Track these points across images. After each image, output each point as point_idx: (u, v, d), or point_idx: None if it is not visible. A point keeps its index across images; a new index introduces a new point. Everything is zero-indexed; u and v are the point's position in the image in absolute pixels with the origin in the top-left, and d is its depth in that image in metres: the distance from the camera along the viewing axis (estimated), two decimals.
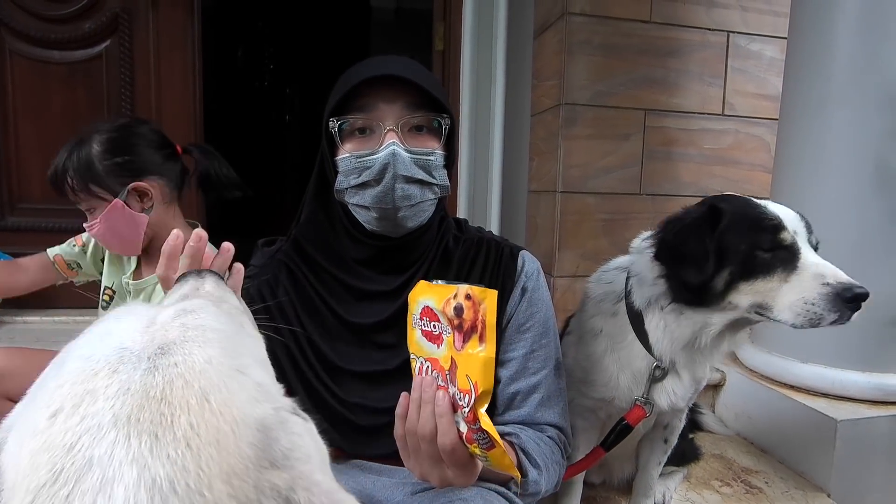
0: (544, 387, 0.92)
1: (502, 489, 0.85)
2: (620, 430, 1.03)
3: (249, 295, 0.90)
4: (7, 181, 2.21)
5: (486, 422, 0.61)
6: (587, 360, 1.08)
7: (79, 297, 2.24)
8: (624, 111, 2.05)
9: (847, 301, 0.80)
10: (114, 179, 1.15)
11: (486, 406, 0.61)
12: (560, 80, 2.01)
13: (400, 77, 0.83)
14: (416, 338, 0.69)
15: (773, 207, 0.92)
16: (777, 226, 0.87)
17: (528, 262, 0.97)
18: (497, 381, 0.92)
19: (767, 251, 0.87)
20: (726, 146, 2.17)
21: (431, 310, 0.66)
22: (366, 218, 0.88)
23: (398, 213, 0.85)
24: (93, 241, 1.36)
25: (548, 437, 0.90)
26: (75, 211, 2.20)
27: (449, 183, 0.91)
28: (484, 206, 2.45)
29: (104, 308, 1.35)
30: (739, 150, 2.19)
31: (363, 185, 0.85)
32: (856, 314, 0.82)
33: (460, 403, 0.62)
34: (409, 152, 0.84)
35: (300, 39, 4.80)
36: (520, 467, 0.79)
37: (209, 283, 0.53)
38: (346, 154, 0.86)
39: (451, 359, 0.63)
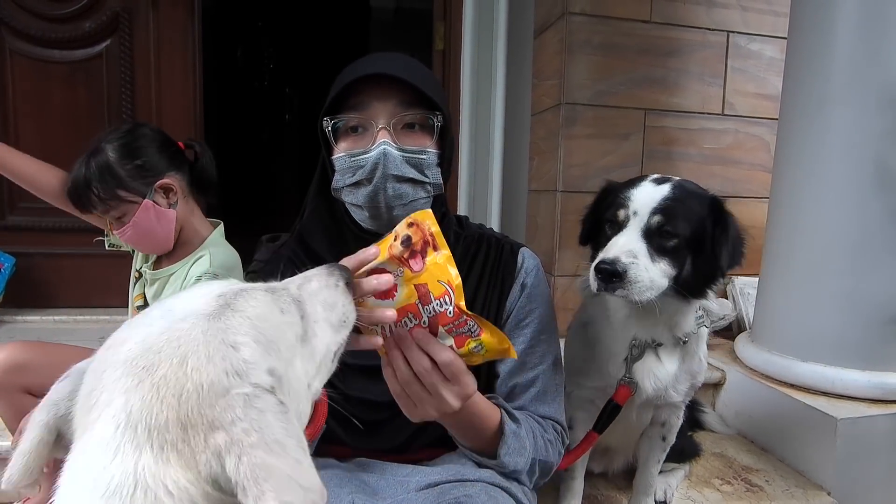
0: (542, 381, 0.93)
1: (507, 485, 0.86)
2: (610, 412, 1.04)
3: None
4: (7, 180, 2.20)
5: (468, 311, 0.67)
6: (582, 350, 1.11)
7: (79, 297, 2.26)
8: (624, 111, 2.06)
9: (596, 272, 0.90)
10: (139, 182, 1.20)
11: (463, 300, 0.67)
12: (560, 80, 2.01)
13: (393, 75, 0.83)
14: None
15: (641, 189, 0.96)
16: (620, 205, 0.95)
17: (528, 259, 0.97)
18: (495, 376, 0.93)
19: (610, 226, 0.96)
20: (726, 146, 2.18)
21: (380, 269, 0.68)
22: (360, 217, 0.89)
23: (392, 211, 0.86)
24: None
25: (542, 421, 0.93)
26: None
27: (442, 181, 0.91)
28: (484, 206, 2.45)
29: (133, 286, 1.38)
30: (739, 150, 2.19)
31: (357, 185, 0.86)
32: (619, 291, 0.89)
33: (443, 310, 0.66)
34: (401, 150, 0.84)
35: (300, 39, 4.80)
36: (500, 425, 0.83)
37: (314, 283, 0.60)
38: (341, 153, 0.86)
39: (415, 286, 0.67)
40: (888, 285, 1.47)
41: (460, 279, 0.67)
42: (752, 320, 1.90)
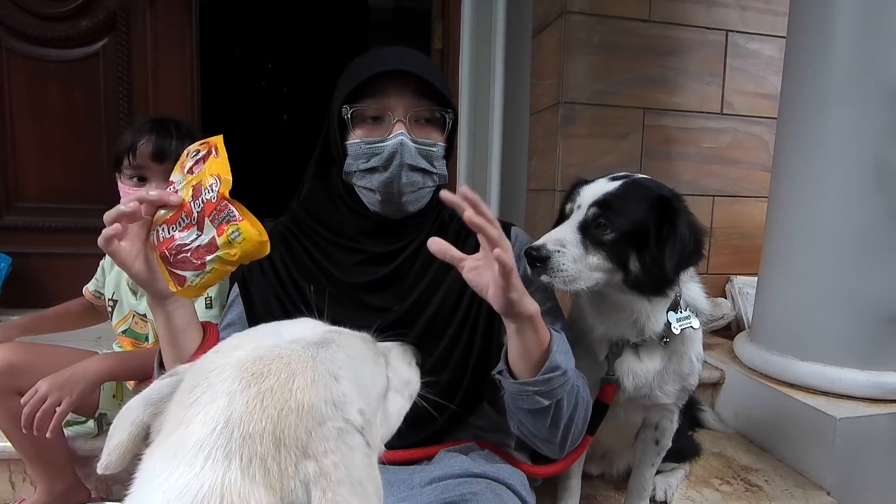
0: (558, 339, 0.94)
1: (511, 482, 0.87)
2: (598, 411, 1.04)
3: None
4: (4, 180, 2.20)
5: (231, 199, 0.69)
6: (572, 348, 1.08)
7: (75, 297, 2.24)
8: (623, 110, 2.05)
9: (525, 256, 0.91)
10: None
11: (228, 191, 0.69)
12: (559, 79, 2.00)
13: (412, 72, 0.88)
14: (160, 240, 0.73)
15: (592, 184, 0.97)
16: (570, 198, 0.99)
17: (521, 236, 1.06)
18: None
19: (562, 219, 0.98)
20: (725, 145, 2.17)
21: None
22: (371, 200, 0.94)
23: (402, 197, 0.92)
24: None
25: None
26: (73, 210, 2.21)
27: (447, 173, 0.98)
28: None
29: (110, 316, 1.39)
30: (738, 149, 2.19)
31: (371, 170, 0.91)
32: (543, 276, 0.90)
33: (208, 198, 0.69)
34: (415, 142, 0.90)
35: (298, 38, 4.79)
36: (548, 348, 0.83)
37: (393, 354, 0.65)
38: (356, 139, 0.92)
39: (192, 187, 0.70)
40: (888, 284, 1.47)
41: (231, 176, 0.70)
42: (751, 319, 1.89)
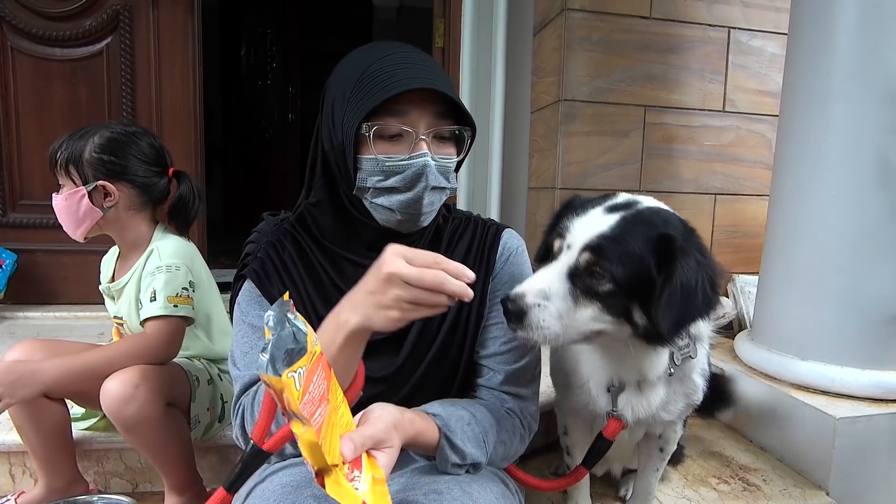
0: (527, 360, 0.95)
1: (503, 475, 0.88)
2: (600, 447, 1.00)
3: (257, 256, 0.92)
4: (9, 178, 2.23)
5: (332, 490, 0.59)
6: (566, 364, 1.05)
7: (80, 294, 2.27)
8: (624, 108, 2.04)
9: (501, 305, 0.81)
10: (91, 171, 1.24)
11: (330, 477, 0.59)
12: (560, 77, 2.00)
13: (435, 90, 0.83)
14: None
15: (585, 218, 0.83)
16: (559, 233, 0.84)
17: (511, 239, 1.01)
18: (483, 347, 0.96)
19: (549, 254, 0.86)
20: (727, 143, 2.16)
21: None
22: (386, 217, 0.88)
23: (420, 217, 0.87)
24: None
25: (507, 409, 0.94)
26: None
27: (457, 185, 0.95)
28: (483, 203, 2.45)
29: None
30: (740, 147, 2.17)
31: (390, 189, 0.85)
32: (519, 332, 0.78)
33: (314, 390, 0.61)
34: (435, 160, 0.85)
35: (303, 38, 4.81)
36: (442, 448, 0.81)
37: None
38: (371, 155, 0.84)
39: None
40: (889, 283, 1.46)
41: (327, 463, 0.60)
42: (752, 318, 1.88)
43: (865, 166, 1.45)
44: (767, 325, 1.69)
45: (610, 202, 0.85)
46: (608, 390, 0.97)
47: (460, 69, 2.38)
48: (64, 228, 1.29)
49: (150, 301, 1.21)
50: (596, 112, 2.02)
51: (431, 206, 0.87)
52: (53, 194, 1.27)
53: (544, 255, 0.88)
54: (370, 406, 0.74)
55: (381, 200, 0.86)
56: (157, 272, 1.23)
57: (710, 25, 2.08)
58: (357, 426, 0.69)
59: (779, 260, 1.65)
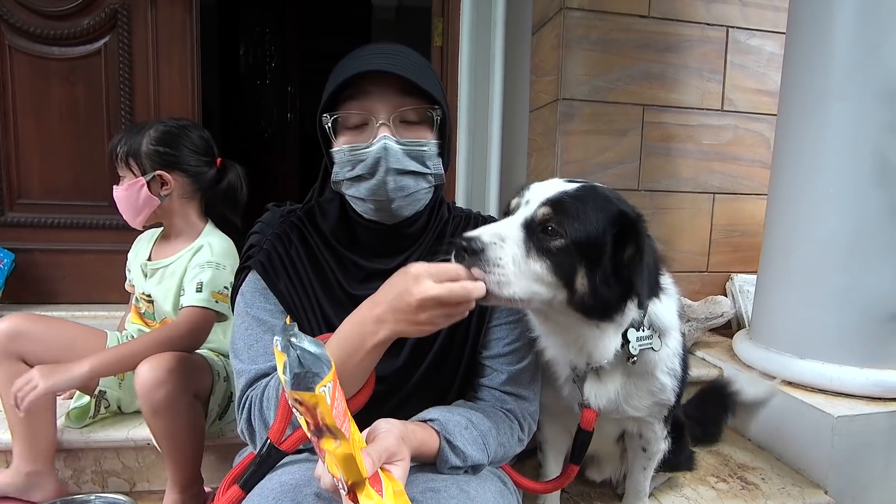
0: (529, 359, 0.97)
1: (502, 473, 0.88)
2: (582, 441, 1.02)
3: (262, 248, 0.93)
4: (7, 177, 2.22)
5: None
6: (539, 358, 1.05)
7: (78, 293, 2.27)
8: (622, 107, 2.04)
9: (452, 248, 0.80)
10: (149, 162, 1.35)
11: (363, 492, 0.61)
12: (558, 76, 2.00)
13: (391, 73, 0.83)
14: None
15: (546, 182, 0.86)
16: (518, 193, 0.87)
17: None
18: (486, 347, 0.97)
19: (512, 210, 0.86)
20: (725, 142, 2.16)
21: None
22: (363, 208, 0.91)
23: (392, 203, 0.88)
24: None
25: (506, 409, 0.94)
26: (75, 206, 2.23)
27: (443, 171, 0.93)
28: (482, 202, 2.44)
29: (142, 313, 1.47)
30: (739, 146, 2.17)
31: (358, 179, 0.87)
32: (475, 269, 0.75)
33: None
34: (401, 144, 0.85)
35: (302, 38, 4.80)
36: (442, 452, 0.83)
37: None
38: (339, 147, 0.88)
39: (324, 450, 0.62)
40: (887, 282, 1.46)
41: (361, 477, 0.62)
42: (750, 317, 1.88)
43: (863, 165, 1.45)
44: (766, 323, 1.69)
45: (567, 178, 0.89)
46: (573, 381, 0.99)
47: (459, 68, 2.38)
48: (124, 217, 1.40)
49: (196, 291, 1.29)
50: (594, 111, 2.02)
51: (402, 191, 0.87)
52: (114, 186, 1.37)
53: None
54: (375, 422, 0.75)
55: (352, 191, 0.89)
56: (206, 266, 1.33)
57: (708, 24, 2.08)
58: (366, 441, 0.70)
59: (777, 259, 1.65)
